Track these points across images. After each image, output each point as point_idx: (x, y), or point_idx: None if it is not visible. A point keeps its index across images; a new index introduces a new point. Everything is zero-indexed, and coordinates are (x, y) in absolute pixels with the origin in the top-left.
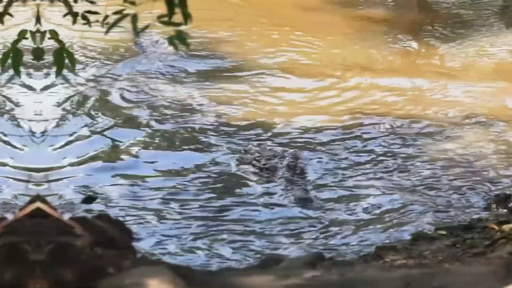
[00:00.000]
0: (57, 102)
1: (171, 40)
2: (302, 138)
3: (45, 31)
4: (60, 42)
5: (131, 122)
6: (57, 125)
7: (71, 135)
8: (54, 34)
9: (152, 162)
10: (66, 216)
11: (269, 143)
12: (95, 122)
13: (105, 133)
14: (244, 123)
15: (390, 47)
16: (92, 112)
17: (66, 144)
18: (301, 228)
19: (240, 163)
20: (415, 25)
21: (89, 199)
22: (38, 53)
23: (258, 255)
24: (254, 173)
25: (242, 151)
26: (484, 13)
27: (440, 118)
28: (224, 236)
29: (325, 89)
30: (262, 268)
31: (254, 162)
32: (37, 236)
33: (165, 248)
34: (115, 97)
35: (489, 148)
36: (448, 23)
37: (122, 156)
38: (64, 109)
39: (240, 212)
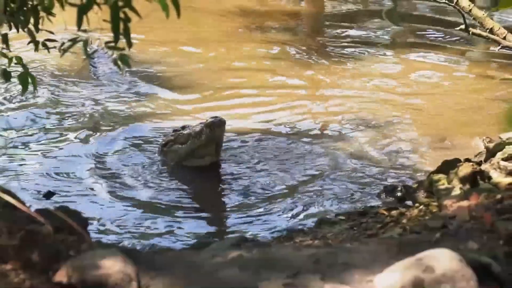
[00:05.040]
0: None
1: (115, 62)
2: None
3: (12, 57)
4: (24, 66)
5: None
6: None
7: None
8: (19, 60)
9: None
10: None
11: None
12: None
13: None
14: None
15: (293, 62)
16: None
17: None
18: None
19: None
20: (315, 46)
21: (49, 194)
22: (6, 75)
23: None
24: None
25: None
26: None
27: (336, 122)
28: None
29: (242, 99)
30: (195, 249)
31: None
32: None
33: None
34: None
35: (378, 146)
36: (342, 43)
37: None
38: None
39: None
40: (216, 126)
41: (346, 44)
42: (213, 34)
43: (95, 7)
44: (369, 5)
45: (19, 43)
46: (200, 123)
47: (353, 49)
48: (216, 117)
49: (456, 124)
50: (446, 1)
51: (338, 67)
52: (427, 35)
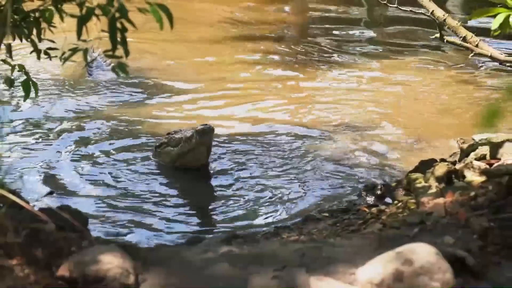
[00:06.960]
0: None
1: (113, 69)
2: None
3: (14, 65)
4: (26, 73)
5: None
6: None
7: None
8: (21, 67)
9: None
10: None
11: None
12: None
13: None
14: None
15: (279, 66)
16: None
17: None
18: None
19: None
20: (301, 50)
21: (49, 194)
22: (9, 82)
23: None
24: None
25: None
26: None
27: (320, 125)
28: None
29: (232, 104)
30: (188, 245)
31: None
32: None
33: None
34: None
35: (359, 147)
36: (328, 51)
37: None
38: None
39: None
40: (206, 132)
41: (328, 41)
42: (204, 43)
43: (94, 18)
44: None
45: (22, 51)
46: (192, 128)
47: (335, 51)
48: (206, 124)
49: (433, 126)
50: (422, 11)
51: (322, 70)
52: (407, 30)
